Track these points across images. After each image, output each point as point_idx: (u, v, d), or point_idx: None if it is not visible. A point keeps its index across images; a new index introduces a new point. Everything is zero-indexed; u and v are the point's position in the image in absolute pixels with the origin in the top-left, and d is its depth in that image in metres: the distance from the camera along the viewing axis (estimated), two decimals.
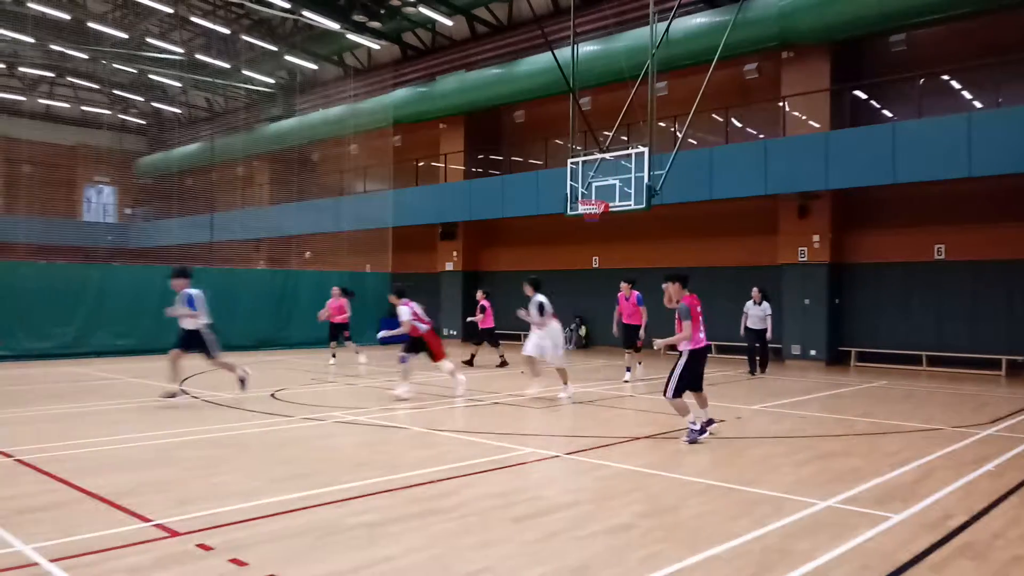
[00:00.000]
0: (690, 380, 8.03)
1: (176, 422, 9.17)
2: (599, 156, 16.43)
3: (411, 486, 6.09)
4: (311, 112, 30.35)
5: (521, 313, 11.67)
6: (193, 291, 10.68)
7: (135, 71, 31.74)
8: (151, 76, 32.39)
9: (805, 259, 18.53)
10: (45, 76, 33.78)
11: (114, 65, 31.06)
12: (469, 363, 16.59)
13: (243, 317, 20.25)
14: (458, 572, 4.24)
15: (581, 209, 16.57)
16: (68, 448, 7.59)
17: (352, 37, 26.58)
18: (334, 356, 17.41)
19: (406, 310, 11.30)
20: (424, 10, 24.26)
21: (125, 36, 27.81)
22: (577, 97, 17.34)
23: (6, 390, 12.27)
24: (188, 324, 10.64)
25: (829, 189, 17.28)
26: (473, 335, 17.39)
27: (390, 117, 25.57)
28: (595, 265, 23.01)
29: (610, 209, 16.11)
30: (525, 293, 11.77)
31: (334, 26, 25.41)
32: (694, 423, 7.99)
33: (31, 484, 6.12)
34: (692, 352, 7.97)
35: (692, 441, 7.87)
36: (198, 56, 29.22)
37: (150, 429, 8.69)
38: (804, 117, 18.59)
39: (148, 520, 5.08)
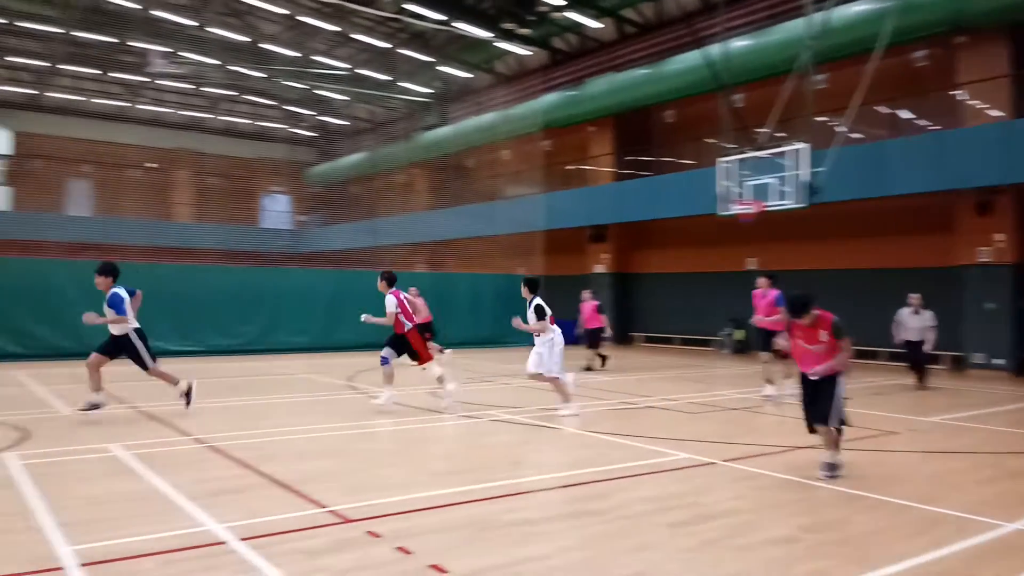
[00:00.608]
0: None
1: (346, 416, 9.76)
2: (753, 154, 15.90)
3: (565, 486, 6.18)
4: (464, 119, 31.28)
5: (516, 323, 10.06)
6: (121, 291, 9.30)
7: (305, 87, 33.96)
8: (318, 91, 34.53)
9: (987, 260, 17.04)
10: (226, 95, 36.82)
11: (286, 82, 33.37)
12: (590, 368, 16.20)
13: None
14: (612, 575, 4.27)
15: (735, 209, 16.10)
16: (252, 437, 8.26)
17: (502, 45, 27.16)
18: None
19: (392, 300, 10.10)
20: (572, 14, 24.41)
21: (296, 55, 29.83)
22: (728, 94, 16.86)
23: (198, 382, 13.48)
24: (115, 329, 9.29)
25: (1013, 183, 15.82)
26: (591, 340, 16.69)
27: (540, 122, 25.90)
28: (750, 267, 22.29)
29: (766, 208, 15.55)
30: (522, 295, 10.17)
31: (485, 35, 26.06)
32: (832, 463, 6.64)
33: (221, 469, 6.73)
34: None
35: (833, 477, 6.54)
36: (360, 71, 30.86)
37: (324, 421, 9.31)
38: (982, 106, 17.12)
39: (323, 506, 5.46)
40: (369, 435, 8.57)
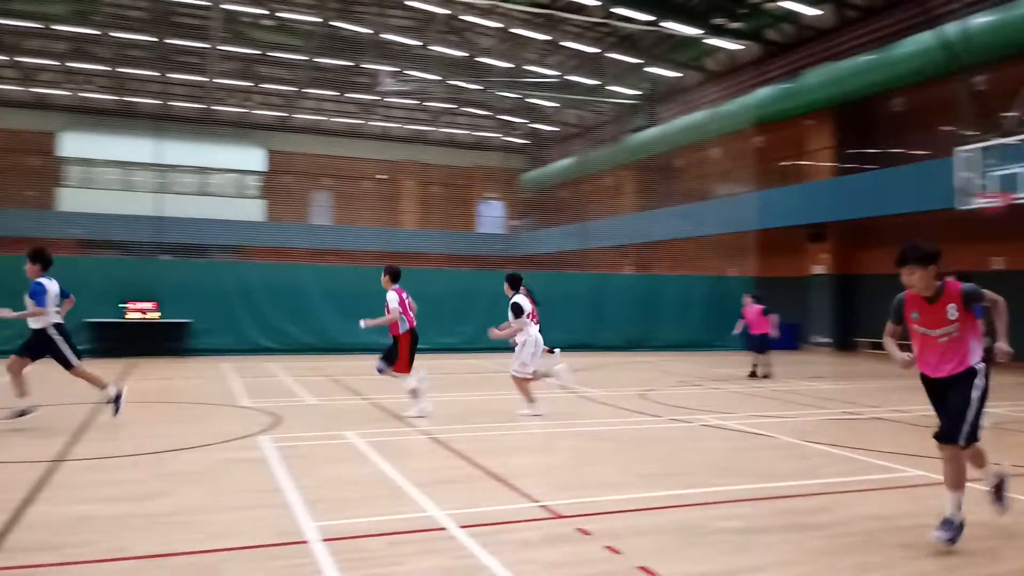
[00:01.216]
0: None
1: (555, 414, 10.01)
2: (999, 141, 14.27)
3: (781, 497, 5.94)
4: (672, 119, 30.83)
5: (493, 333, 9.85)
6: (46, 281, 8.50)
7: (517, 96, 35.18)
8: (530, 100, 35.62)
9: None
10: (447, 108, 39.04)
11: (500, 93, 34.76)
12: (755, 375, 15.13)
13: (612, 320, 21.34)
14: None
15: (977, 202, 14.55)
16: (470, 431, 8.73)
17: (712, 41, 26.46)
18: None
19: (394, 296, 9.45)
20: (787, 3, 23.24)
21: (509, 65, 30.99)
22: (968, 76, 15.26)
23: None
24: (33, 323, 8.47)
25: None
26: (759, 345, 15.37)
27: (752, 117, 24.94)
28: (996, 267, 19.97)
29: (1015, 201, 13.90)
30: (505, 292, 9.91)
31: (694, 32, 25.53)
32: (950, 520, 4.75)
33: (442, 459, 7.19)
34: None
35: (951, 540, 4.69)
36: (569, 77, 31.43)
37: (536, 419, 9.62)
38: None
39: (535, 501, 5.67)
40: (578, 433, 8.74)
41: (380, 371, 9.62)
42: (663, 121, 31.70)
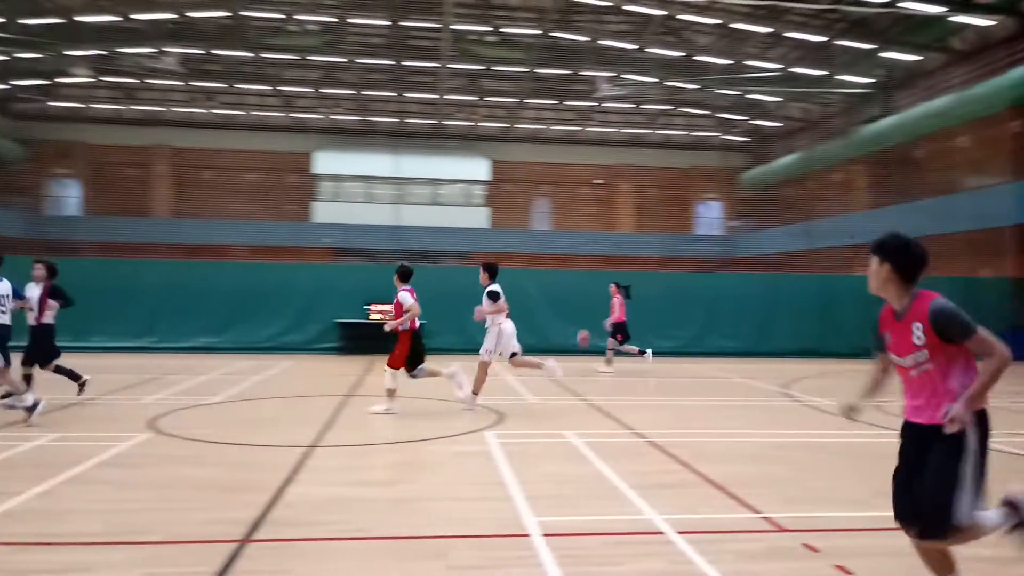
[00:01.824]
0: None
1: (781, 423, 9.60)
2: None
3: None
4: (911, 107, 28.22)
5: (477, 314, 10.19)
6: None
7: (737, 93, 34.00)
8: (751, 96, 34.27)
9: None
10: (663, 109, 38.61)
11: (718, 91, 33.79)
12: None
13: (843, 324, 19.96)
14: None
15: None
16: (688, 435, 8.63)
17: (959, 19, 23.90)
18: None
19: (407, 295, 9.72)
20: None
21: (728, 62, 30.04)
22: None
23: (634, 381, 14.45)
24: None
25: None
26: None
27: (1006, 100, 22.19)
28: None
29: None
30: (480, 281, 10.38)
31: (937, 10, 23.21)
32: None
33: (659, 463, 7.17)
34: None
35: None
36: (793, 69, 29.84)
37: (758, 427, 9.30)
38: None
39: (757, 511, 5.50)
40: (804, 444, 8.33)
41: (414, 376, 10.01)
42: (900, 109, 29.10)
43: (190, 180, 39.32)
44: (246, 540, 4.72)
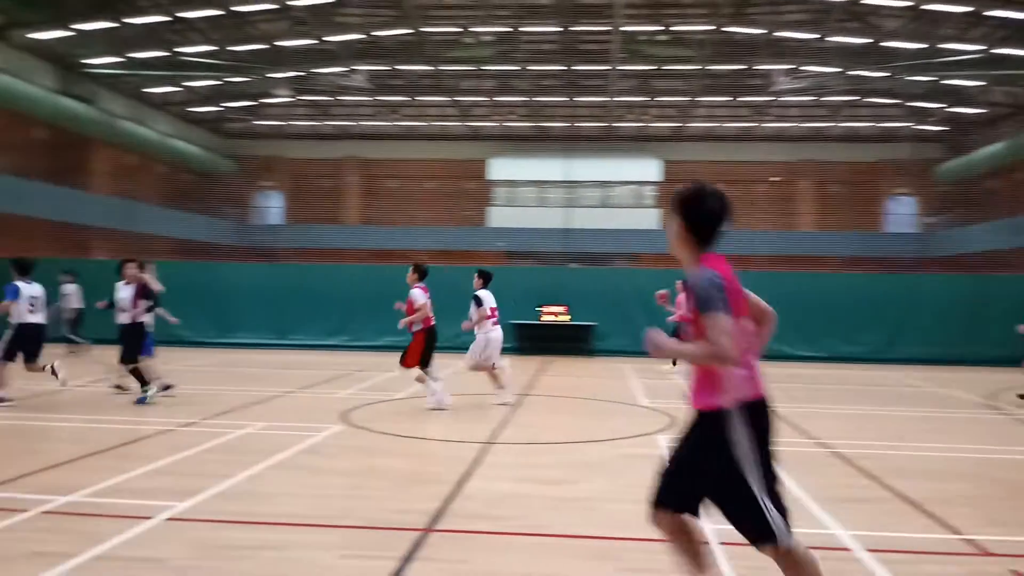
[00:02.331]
0: None
1: (985, 437, 8.79)
2: None
3: None
4: None
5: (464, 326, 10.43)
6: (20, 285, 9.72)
7: (932, 79, 31.35)
8: (947, 81, 31.47)
9: None
10: (847, 100, 36.30)
11: (910, 78, 31.31)
12: None
13: None
14: None
15: None
16: (877, 448, 8.09)
17: None
18: None
19: (420, 293, 9.89)
20: None
21: (921, 46, 27.77)
22: None
23: (817, 388, 13.72)
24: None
25: None
26: None
27: None
28: None
29: None
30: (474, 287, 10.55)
31: None
32: None
33: (846, 476, 6.79)
34: None
35: None
36: (997, 50, 27.06)
37: (958, 440, 8.58)
38: None
39: (957, 532, 5.09)
40: (1014, 463, 7.58)
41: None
42: None
43: (377, 189, 41.85)
44: (429, 529, 5.00)
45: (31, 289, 9.87)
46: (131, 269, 10.12)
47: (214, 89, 35.21)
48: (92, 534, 4.70)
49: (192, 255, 32.81)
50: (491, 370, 10.50)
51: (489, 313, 10.41)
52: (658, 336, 3.13)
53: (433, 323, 10.13)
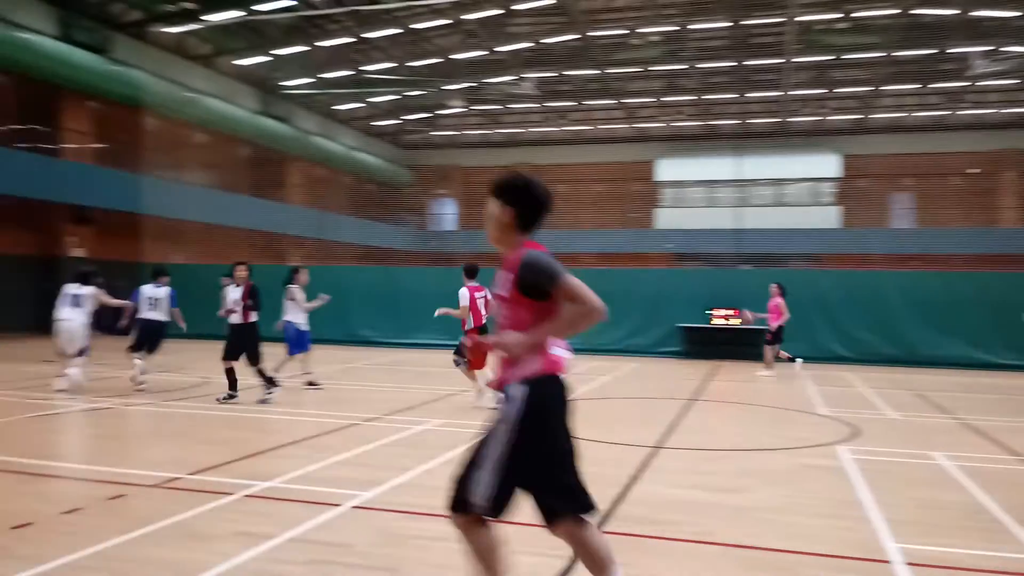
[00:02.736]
0: None
1: None
2: None
3: None
4: None
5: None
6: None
7: None
8: None
9: None
10: None
11: None
12: None
13: None
14: None
15: None
16: None
17: None
18: None
19: (465, 293, 10.03)
20: None
21: None
22: None
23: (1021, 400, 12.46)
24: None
25: None
26: None
27: None
28: None
29: None
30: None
31: None
32: None
33: None
34: None
35: None
36: None
37: None
38: None
39: None
40: None
41: (456, 364, 10.40)
42: None
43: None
44: None
45: (152, 291, 11.62)
46: (241, 271, 10.43)
47: (394, 103, 37.23)
48: (288, 517, 5.16)
49: (374, 260, 34.84)
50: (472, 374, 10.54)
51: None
52: (499, 338, 3.19)
53: (484, 322, 10.22)
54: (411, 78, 32.13)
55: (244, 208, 29.15)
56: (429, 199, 45.44)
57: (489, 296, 10.30)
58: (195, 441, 7.89)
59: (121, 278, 24.83)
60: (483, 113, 40.08)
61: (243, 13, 25.04)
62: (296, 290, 11.91)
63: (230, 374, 10.32)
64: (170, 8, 25.12)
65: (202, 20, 25.23)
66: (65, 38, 22.94)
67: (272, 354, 11.32)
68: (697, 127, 40.49)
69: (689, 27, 27.90)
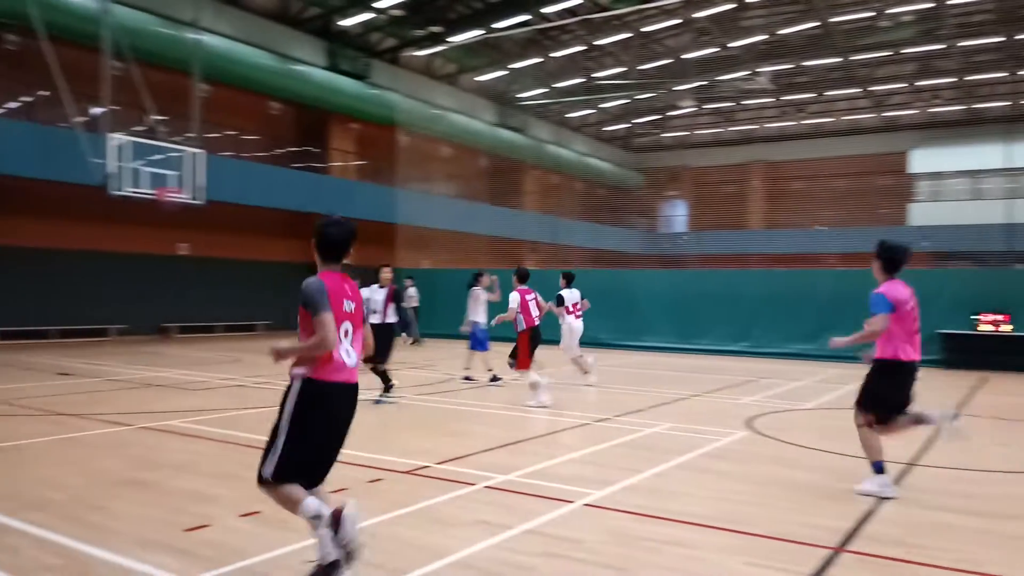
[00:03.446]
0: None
1: None
2: None
3: None
4: None
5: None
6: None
7: None
8: None
9: None
10: None
11: None
12: None
13: None
14: None
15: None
16: None
17: None
18: None
19: (515, 297, 10.67)
20: None
21: None
22: None
23: None
24: None
25: None
26: None
27: None
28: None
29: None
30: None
31: None
32: None
33: None
34: None
35: None
36: None
37: None
38: None
39: None
40: None
41: (510, 366, 11.07)
42: None
43: (781, 192, 40.48)
44: (840, 548, 4.78)
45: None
46: (386, 273, 10.81)
47: (624, 107, 37.43)
48: (523, 510, 5.43)
49: (605, 263, 35.21)
50: (578, 359, 12.22)
51: (571, 308, 12.22)
52: (274, 343, 3.92)
53: (536, 323, 10.68)
54: (641, 81, 32.09)
55: (484, 216, 30.77)
56: (659, 201, 45.05)
57: (540, 299, 11.07)
58: (441, 433, 8.51)
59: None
60: (715, 112, 39.03)
61: (483, 32, 26.47)
62: (480, 292, 13.11)
63: (383, 373, 10.56)
64: (420, 33, 27.18)
65: (447, 41, 27.02)
66: (332, 67, 25.72)
67: (551, 357, 12.53)
68: (958, 112, 36.44)
69: (948, 2, 25.22)
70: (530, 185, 36.78)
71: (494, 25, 26.02)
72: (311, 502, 3.82)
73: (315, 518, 3.79)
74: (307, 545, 4.22)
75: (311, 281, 3.94)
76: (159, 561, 4.31)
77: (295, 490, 3.87)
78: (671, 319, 20.26)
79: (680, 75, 32.11)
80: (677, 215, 44.42)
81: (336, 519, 3.78)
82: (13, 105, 19.73)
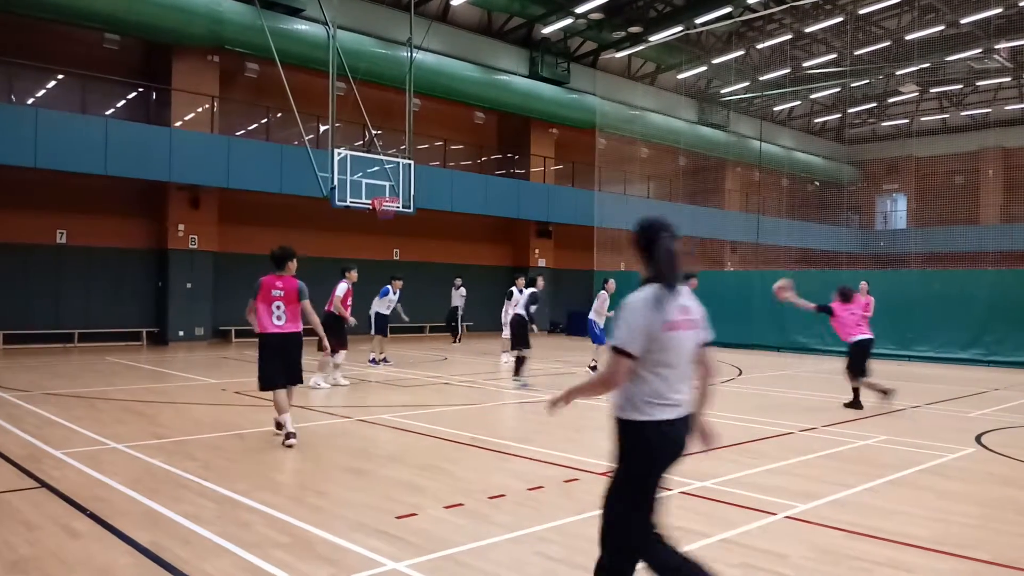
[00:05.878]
0: None
1: None
2: None
3: None
4: None
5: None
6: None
7: None
8: None
9: None
10: None
11: None
12: None
13: None
14: None
15: None
16: None
17: None
18: None
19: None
20: None
21: None
22: None
23: None
24: None
25: None
26: None
27: None
28: None
29: None
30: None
31: None
32: None
33: None
34: None
35: None
36: None
37: None
38: None
39: None
40: None
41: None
42: None
43: (1021, 182, 36.06)
44: None
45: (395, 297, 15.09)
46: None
47: (836, 97, 35.17)
48: (721, 519, 5.33)
49: (814, 263, 33.26)
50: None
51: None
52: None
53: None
54: (855, 67, 29.97)
55: (683, 216, 30.16)
56: (876, 196, 41.76)
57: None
58: None
59: (575, 285, 27.59)
60: (941, 96, 35.59)
61: (683, 28, 25.98)
62: (605, 296, 14.20)
63: (521, 361, 12.62)
64: (619, 35, 27.17)
65: (647, 41, 26.79)
66: (533, 75, 26.40)
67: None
68: None
69: None
70: (731, 182, 35.55)
71: (695, 21, 25.45)
72: None
73: None
74: (507, 538, 4.40)
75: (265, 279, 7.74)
76: (373, 545, 4.70)
77: None
78: (887, 323, 18.74)
79: (901, 58, 29.61)
80: (896, 210, 40.96)
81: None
82: (253, 127, 22.12)
